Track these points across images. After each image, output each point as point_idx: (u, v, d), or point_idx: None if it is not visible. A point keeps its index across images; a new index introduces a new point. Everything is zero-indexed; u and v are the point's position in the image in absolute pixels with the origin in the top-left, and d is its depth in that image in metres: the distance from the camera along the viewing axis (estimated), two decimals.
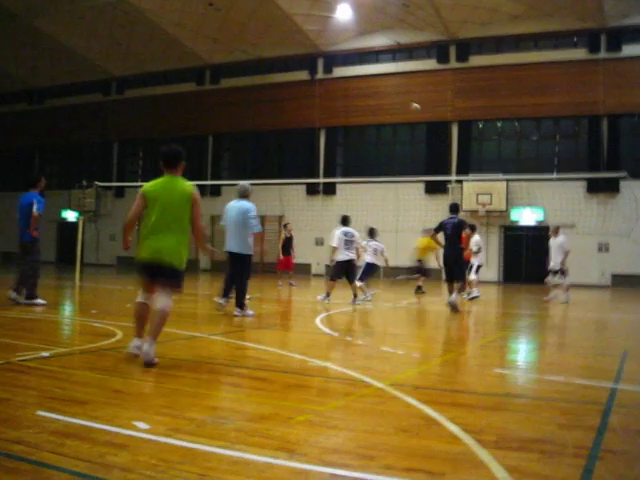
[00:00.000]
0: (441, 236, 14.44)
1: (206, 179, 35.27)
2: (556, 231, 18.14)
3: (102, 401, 4.93)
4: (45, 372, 5.94)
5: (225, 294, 11.99)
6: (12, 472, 3.33)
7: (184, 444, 3.88)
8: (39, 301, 12.19)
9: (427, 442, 4.14)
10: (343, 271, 15.41)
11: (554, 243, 17.92)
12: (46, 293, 13.39)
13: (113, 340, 8.05)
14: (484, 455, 3.84)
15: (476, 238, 18.62)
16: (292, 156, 35.07)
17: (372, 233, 17.35)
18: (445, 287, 15.44)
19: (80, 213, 23.67)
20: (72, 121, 40.21)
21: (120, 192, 38.02)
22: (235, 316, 11.45)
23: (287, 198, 30.75)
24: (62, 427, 4.16)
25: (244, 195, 11.79)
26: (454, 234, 14.14)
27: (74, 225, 23.11)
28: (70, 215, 38.78)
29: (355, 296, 15.21)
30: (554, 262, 17.80)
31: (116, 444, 3.83)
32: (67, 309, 13.58)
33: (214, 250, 8.29)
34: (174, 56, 35.30)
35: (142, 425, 4.23)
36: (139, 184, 33.23)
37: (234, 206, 11.68)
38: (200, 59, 35.76)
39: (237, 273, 11.70)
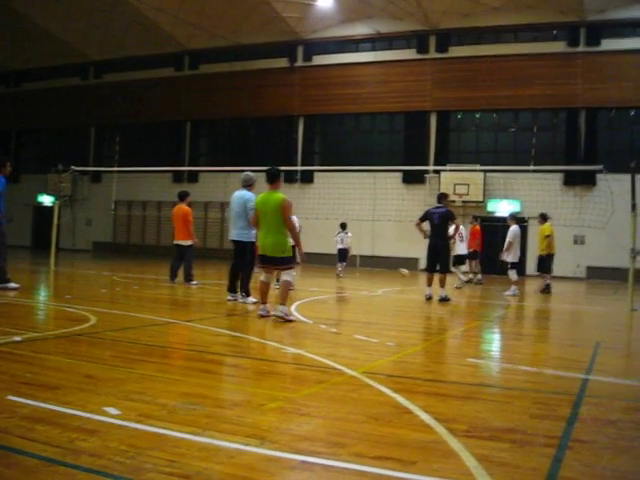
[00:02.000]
0: (426, 225, 14.42)
1: (184, 165, 35.11)
2: (516, 220, 17.53)
3: (73, 386, 4.90)
4: (17, 357, 5.89)
5: (232, 289, 12.15)
6: None
7: (154, 430, 3.87)
8: (12, 285, 12.09)
9: (398, 430, 4.16)
10: None
11: (512, 232, 17.37)
12: (20, 277, 13.29)
13: (86, 325, 8.00)
14: (455, 444, 3.86)
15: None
16: (270, 144, 34.91)
17: (343, 227, 22.72)
18: (424, 278, 15.44)
19: (56, 198, 23.40)
20: (49, 105, 39.70)
21: (97, 177, 37.63)
22: (229, 300, 11.95)
23: (264, 186, 30.53)
24: (32, 412, 4.14)
25: (247, 184, 12.07)
26: (441, 224, 14.16)
27: (50, 210, 22.89)
28: (46, 199, 38.36)
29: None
30: (517, 254, 17.39)
31: (86, 429, 3.81)
32: (41, 294, 13.45)
33: (300, 250, 10.13)
34: (153, 41, 34.93)
35: (113, 411, 4.21)
36: (116, 169, 33.03)
37: (236, 196, 11.98)
38: (179, 44, 35.45)
39: (240, 261, 11.97)
